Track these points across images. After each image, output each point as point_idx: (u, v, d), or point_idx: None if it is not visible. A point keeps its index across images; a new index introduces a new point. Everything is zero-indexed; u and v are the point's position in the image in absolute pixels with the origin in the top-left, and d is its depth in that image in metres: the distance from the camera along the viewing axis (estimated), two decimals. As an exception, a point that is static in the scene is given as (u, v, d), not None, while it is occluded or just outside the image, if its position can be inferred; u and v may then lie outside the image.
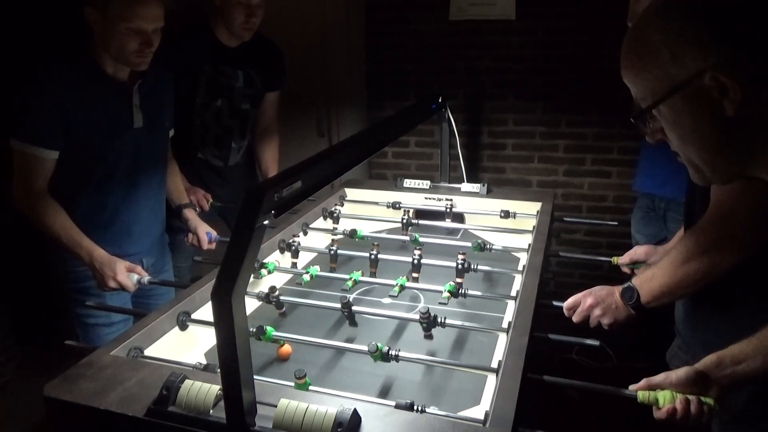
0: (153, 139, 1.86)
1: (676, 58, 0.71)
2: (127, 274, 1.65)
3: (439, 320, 1.32)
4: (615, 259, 1.68)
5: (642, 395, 1.04)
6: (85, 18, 1.61)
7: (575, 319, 1.37)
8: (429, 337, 1.37)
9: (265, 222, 0.93)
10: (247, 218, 0.91)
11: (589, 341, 1.31)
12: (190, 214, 2.04)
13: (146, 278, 1.67)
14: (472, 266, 1.62)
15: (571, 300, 1.38)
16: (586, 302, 1.35)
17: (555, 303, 1.50)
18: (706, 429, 1.04)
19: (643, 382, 1.06)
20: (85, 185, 1.74)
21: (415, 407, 1.03)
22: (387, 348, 1.20)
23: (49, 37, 2.58)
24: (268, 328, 1.31)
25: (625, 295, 1.30)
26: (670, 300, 1.26)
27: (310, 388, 1.14)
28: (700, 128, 0.74)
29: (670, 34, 0.72)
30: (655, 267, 1.27)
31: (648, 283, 1.26)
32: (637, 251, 1.63)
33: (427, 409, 1.04)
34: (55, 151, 1.65)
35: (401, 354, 1.20)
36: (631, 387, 1.06)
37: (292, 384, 1.13)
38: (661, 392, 1.03)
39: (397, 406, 1.03)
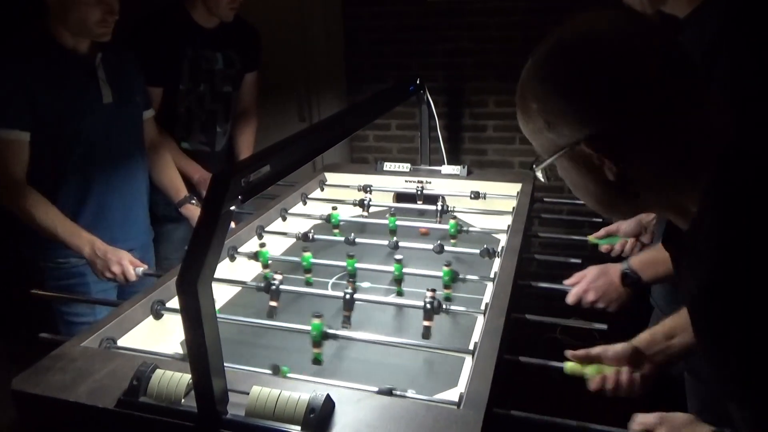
0: (125, 116, 1.80)
1: (553, 127, 0.72)
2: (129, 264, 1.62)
3: (443, 306, 1.30)
4: (591, 238, 1.69)
5: (569, 367, 1.13)
6: None
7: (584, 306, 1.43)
8: (427, 335, 1.30)
9: (232, 207, 0.92)
10: (213, 204, 0.89)
11: (598, 325, 1.33)
12: (189, 212, 1.98)
13: (140, 269, 1.63)
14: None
15: (572, 297, 1.42)
16: (587, 299, 1.40)
17: (533, 284, 1.51)
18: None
19: (582, 352, 1.13)
20: (61, 171, 1.68)
21: (399, 393, 1.02)
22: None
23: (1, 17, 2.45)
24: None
25: (626, 281, 1.35)
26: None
27: (289, 375, 1.13)
28: (586, 184, 0.75)
29: (544, 105, 0.72)
30: (654, 251, 1.32)
31: (652, 268, 1.31)
32: (611, 227, 1.66)
33: (406, 393, 1.03)
34: (27, 132, 1.59)
35: (388, 339, 1.19)
36: (568, 353, 1.13)
37: (267, 371, 1.12)
38: (588, 367, 1.12)
39: (379, 392, 1.02)
